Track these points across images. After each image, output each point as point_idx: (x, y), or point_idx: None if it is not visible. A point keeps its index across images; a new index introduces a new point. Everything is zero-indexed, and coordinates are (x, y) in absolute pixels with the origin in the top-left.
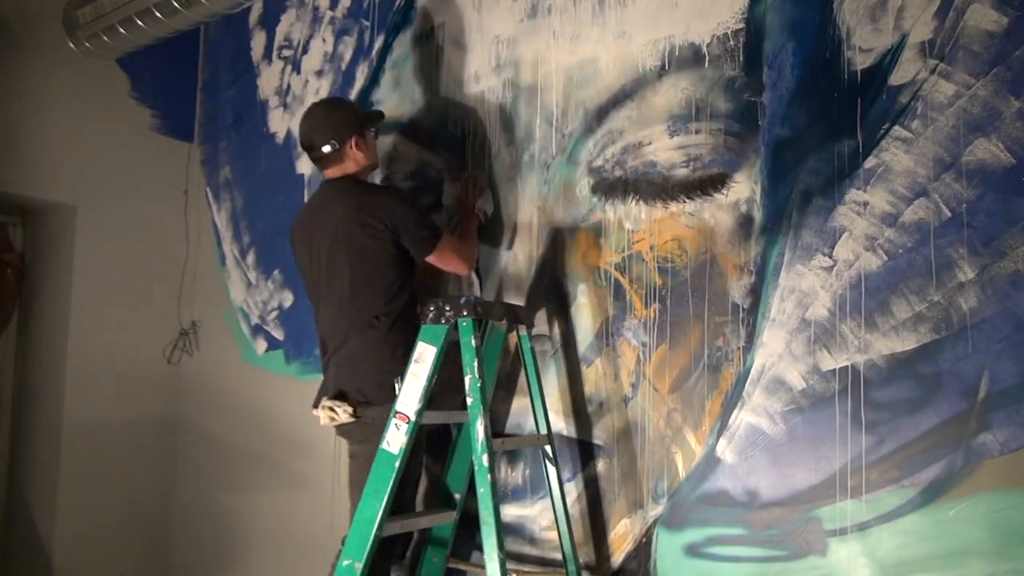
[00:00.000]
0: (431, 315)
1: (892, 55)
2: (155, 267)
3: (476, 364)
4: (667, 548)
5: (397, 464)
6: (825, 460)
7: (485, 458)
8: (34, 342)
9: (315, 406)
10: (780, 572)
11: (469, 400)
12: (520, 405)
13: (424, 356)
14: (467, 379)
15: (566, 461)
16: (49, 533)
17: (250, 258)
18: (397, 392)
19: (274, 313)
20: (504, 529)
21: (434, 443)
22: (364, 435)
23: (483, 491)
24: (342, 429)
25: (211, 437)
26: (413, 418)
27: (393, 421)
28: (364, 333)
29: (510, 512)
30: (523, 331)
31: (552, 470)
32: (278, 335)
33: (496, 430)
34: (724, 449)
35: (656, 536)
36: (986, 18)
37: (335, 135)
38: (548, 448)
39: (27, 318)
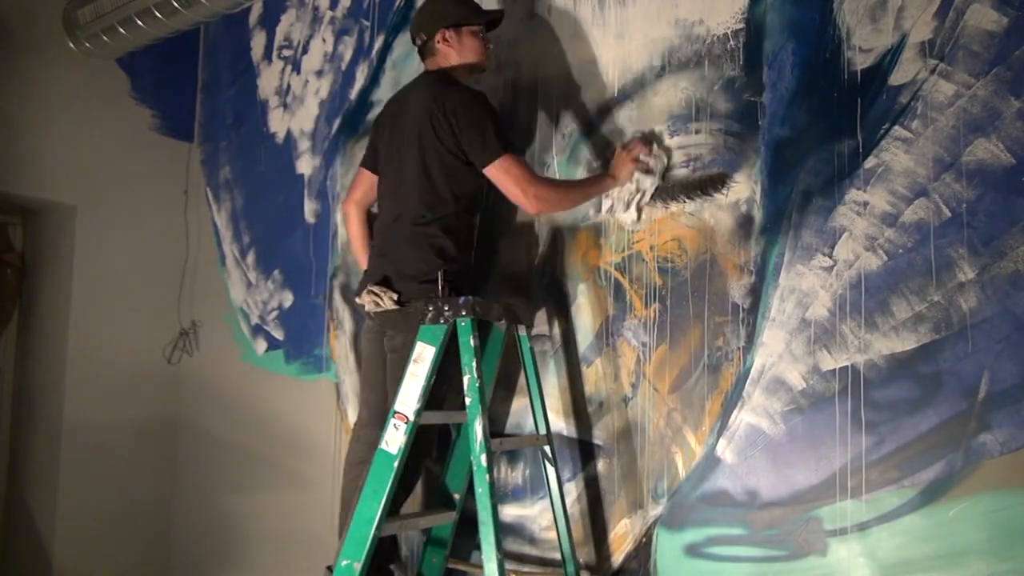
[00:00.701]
0: (430, 315)
1: (892, 55)
2: (155, 267)
3: (475, 364)
4: (667, 548)
5: (396, 464)
6: (825, 460)
7: (484, 458)
8: (34, 342)
9: (357, 294)
10: (780, 572)
11: (467, 400)
12: (520, 405)
13: (423, 356)
14: (465, 379)
15: (566, 461)
16: (49, 533)
17: (250, 258)
18: (439, 283)
19: (274, 313)
20: (504, 529)
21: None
22: (408, 325)
23: (481, 491)
24: (385, 318)
25: (211, 437)
26: (412, 418)
27: (392, 422)
28: (412, 227)
29: (510, 512)
30: (522, 331)
31: (551, 470)
32: (278, 335)
33: (496, 430)
34: (724, 449)
35: (656, 536)
36: (986, 18)
37: (425, 28)
38: (547, 448)
39: (27, 318)
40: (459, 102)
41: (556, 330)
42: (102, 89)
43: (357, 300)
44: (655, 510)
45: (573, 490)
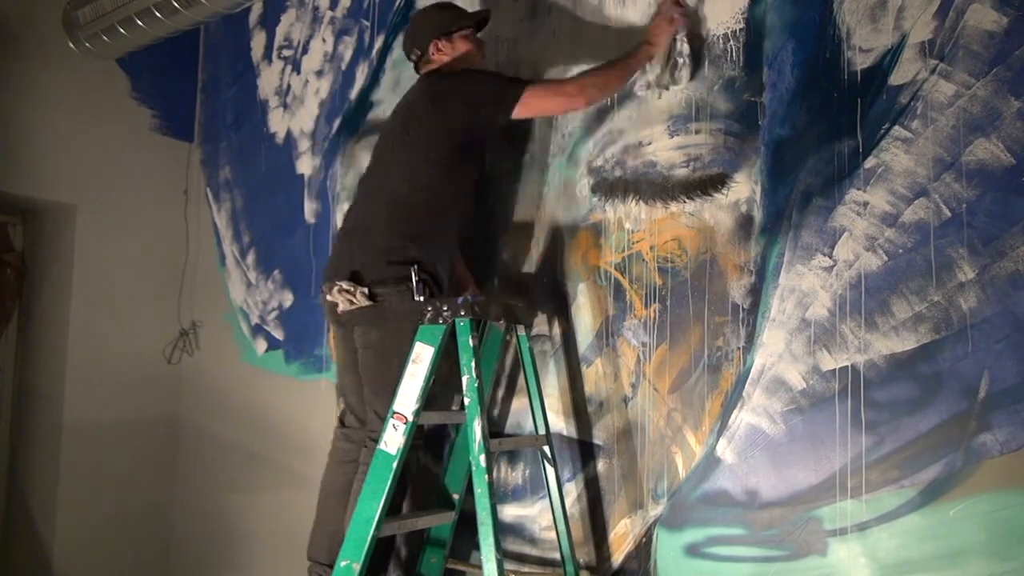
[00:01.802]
0: (428, 315)
1: (892, 55)
2: (155, 267)
3: (474, 364)
4: (667, 548)
5: (395, 465)
6: (825, 460)
7: (483, 459)
8: (34, 342)
9: (323, 287)
10: (780, 572)
11: (466, 400)
12: (521, 405)
13: (422, 356)
14: (464, 379)
15: (566, 461)
16: (49, 533)
17: (250, 258)
18: (413, 281)
19: (274, 313)
20: (504, 529)
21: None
22: (384, 319)
23: (480, 491)
24: (357, 316)
25: (211, 437)
26: (411, 418)
27: (391, 422)
28: (388, 205)
29: (510, 512)
30: (521, 331)
31: (551, 471)
32: (278, 335)
33: (496, 430)
34: (724, 449)
35: (656, 536)
36: (986, 18)
37: (418, 43)
38: (547, 448)
39: (27, 318)
40: (449, 83)
41: (556, 330)
42: (102, 89)
43: (327, 296)
44: (655, 510)
45: (573, 490)
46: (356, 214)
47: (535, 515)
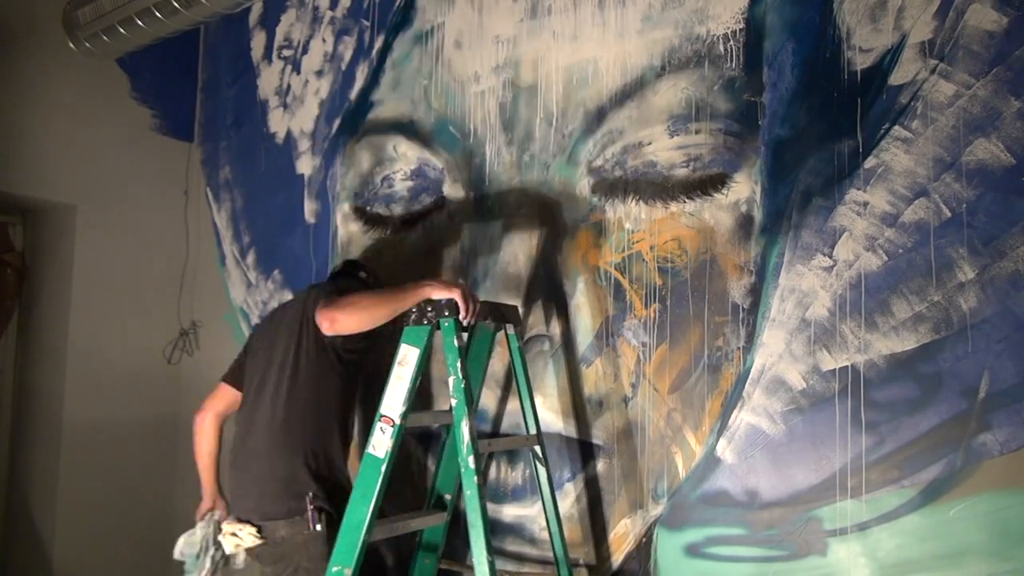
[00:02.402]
0: (414, 316)
1: (892, 55)
2: (155, 267)
3: (459, 364)
4: (667, 548)
5: (383, 468)
6: (825, 460)
7: (471, 460)
8: (34, 342)
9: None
10: (780, 572)
11: (453, 401)
12: (518, 405)
13: (407, 358)
14: (451, 380)
15: (566, 461)
16: (49, 533)
17: (250, 258)
18: (310, 519)
19: None
20: (504, 529)
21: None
22: (276, 555)
23: (470, 493)
24: (253, 552)
25: None
26: (398, 421)
27: (378, 425)
28: (274, 439)
29: (510, 512)
30: (511, 330)
31: (543, 471)
32: None
33: (493, 430)
34: (724, 449)
35: (656, 536)
36: (986, 18)
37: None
38: (538, 449)
39: (27, 318)
40: (308, 299)
41: (556, 330)
42: (102, 89)
43: (219, 539)
44: (655, 510)
45: (573, 490)
46: (245, 450)
47: (535, 515)
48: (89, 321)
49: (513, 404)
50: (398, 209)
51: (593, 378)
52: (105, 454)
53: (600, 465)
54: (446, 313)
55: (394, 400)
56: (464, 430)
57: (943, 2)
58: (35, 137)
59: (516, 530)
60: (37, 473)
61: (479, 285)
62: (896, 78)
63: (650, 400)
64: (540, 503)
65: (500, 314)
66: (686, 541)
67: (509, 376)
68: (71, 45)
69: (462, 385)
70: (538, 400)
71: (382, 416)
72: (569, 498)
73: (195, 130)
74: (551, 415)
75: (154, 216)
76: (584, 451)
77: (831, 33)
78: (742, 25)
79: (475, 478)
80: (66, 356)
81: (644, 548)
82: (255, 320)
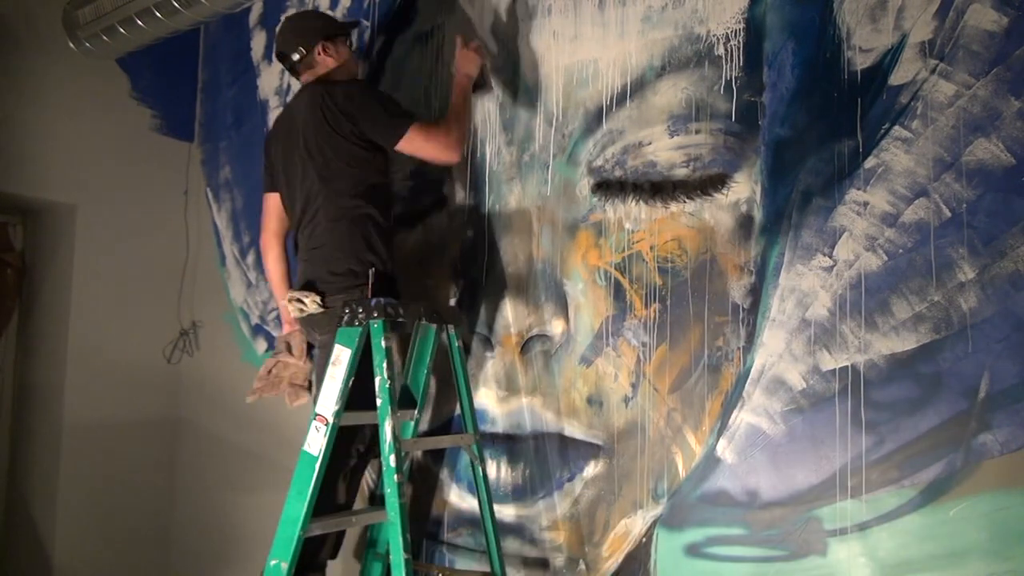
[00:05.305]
0: (346, 317)
1: (892, 55)
2: (155, 267)
3: (385, 366)
4: (667, 548)
5: (317, 465)
6: (825, 460)
7: (392, 459)
8: (34, 342)
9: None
10: (780, 572)
11: (378, 401)
12: (516, 406)
13: (340, 358)
14: (376, 380)
15: (566, 461)
16: (49, 533)
17: (250, 258)
18: (370, 280)
19: (274, 313)
20: (504, 529)
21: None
22: (333, 325)
23: (390, 491)
24: (311, 321)
25: (211, 437)
26: (331, 420)
27: (313, 423)
28: (329, 226)
29: (510, 512)
30: (451, 330)
31: (479, 470)
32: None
33: (494, 430)
34: (724, 449)
35: (656, 536)
36: (986, 18)
37: (302, 42)
38: (474, 448)
39: (27, 318)
40: (345, 95)
41: (556, 330)
42: (102, 89)
43: (283, 304)
44: (655, 510)
45: (573, 490)
46: (304, 245)
47: (535, 515)
48: (89, 321)
49: (514, 404)
50: (398, 209)
51: (593, 378)
52: (105, 454)
53: (600, 465)
54: (375, 315)
55: (328, 399)
56: (387, 429)
57: (943, 2)
58: (35, 137)
59: (516, 530)
60: (37, 473)
61: (479, 285)
62: (896, 78)
63: (650, 400)
64: (540, 503)
65: (435, 315)
66: (686, 541)
67: (510, 376)
68: (71, 45)
69: (387, 385)
70: (538, 400)
71: (317, 415)
72: (569, 498)
73: (195, 130)
74: (551, 415)
75: (154, 216)
76: (584, 451)
77: (831, 33)
78: (742, 25)
79: (395, 476)
80: (66, 356)
81: (644, 548)
82: (255, 320)
